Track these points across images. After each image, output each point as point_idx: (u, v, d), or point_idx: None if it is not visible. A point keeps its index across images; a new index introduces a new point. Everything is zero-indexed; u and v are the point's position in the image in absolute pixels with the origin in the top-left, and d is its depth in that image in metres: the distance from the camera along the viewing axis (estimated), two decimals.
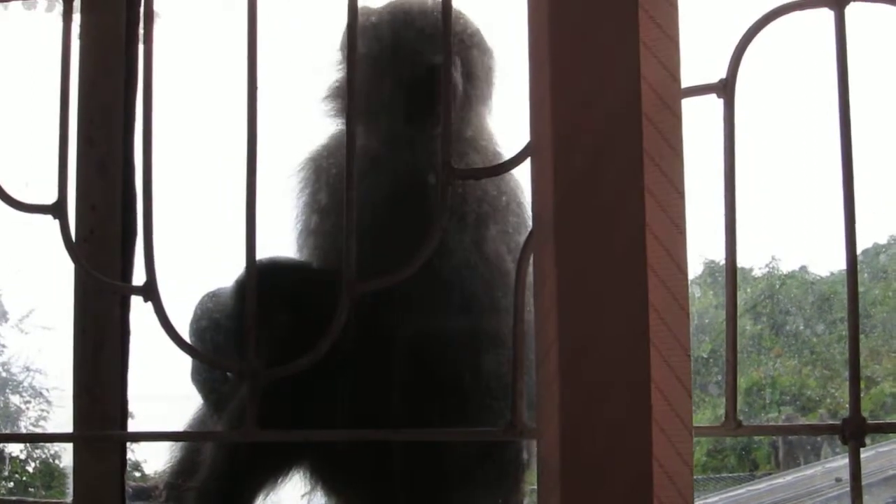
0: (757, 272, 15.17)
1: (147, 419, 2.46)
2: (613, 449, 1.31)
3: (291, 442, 2.26)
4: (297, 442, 2.29)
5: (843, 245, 1.54)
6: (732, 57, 1.59)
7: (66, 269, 1.90)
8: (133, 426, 2.06)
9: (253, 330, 1.69)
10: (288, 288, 2.32)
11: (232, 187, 1.76)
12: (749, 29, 1.59)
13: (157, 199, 1.74)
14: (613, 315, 1.33)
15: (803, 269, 15.66)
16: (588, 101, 1.36)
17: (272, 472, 2.44)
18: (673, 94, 1.38)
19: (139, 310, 1.83)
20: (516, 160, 1.57)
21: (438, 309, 2.38)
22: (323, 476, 2.50)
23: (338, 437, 2.24)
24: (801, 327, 14.39)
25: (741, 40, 1.59)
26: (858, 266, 1.57)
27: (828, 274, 15.27)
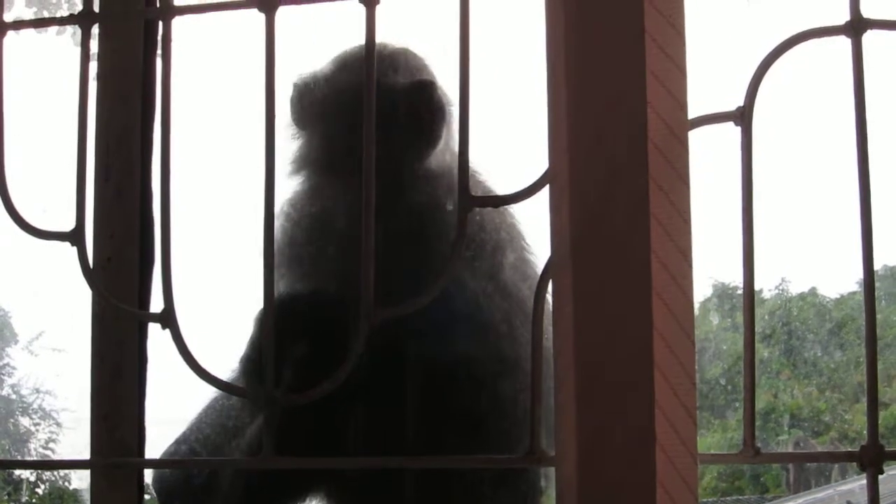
0: (766, 294, 15.18)
1: (164, 443, 2.47)
2: (625, 476, 1.32)
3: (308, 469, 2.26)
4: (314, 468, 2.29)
5: (852, 268, 1.55)
6: (750, 85, 1.59)
7: (77, 292, 1.90)
8: (148, 450, 2.06)
9: (271, 357, 1.69)
10: (307, 317, 2.34)
11: (250, 212, 1.76)
12: (766, 57, 1.59)
13: (174, 226, 1.74)
14: (623, 342, 1.34)
15: (812, 290, 15.65)
16: (598, 130, 1.37)
17: (289, 498, 2.45)
18: (680, 122, 1.40)
19: (156, 336, 1.83)
20: (535, 187, 1.57)
21: (456, 336, 2.39)
22: (338, 501, 2.50)
23: (355, 464, 2.24)
24: (812, 352, 14.38)
25: (758, 68, 1.59)
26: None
27: (837, 296, 15.27)
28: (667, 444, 1.32)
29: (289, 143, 2.63)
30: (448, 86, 2.60)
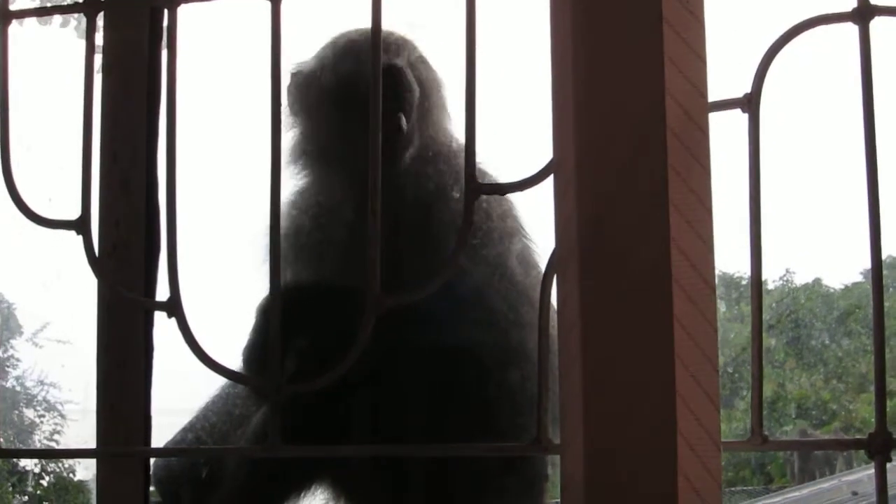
0: (771, 285, 15.16)
1: (170, 432, 2.47)
2: (639, 465, 1.30)
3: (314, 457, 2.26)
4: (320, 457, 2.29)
5: (856, 258, 1.55)
6: (757, 72, 1.58)
7: (81, 283, 1.90)
8: (155, 438, 2.06)
9: (277, 345, 1.68)
10: (311, 306, 2.34)
11: (257, 200, 1.76)
12: (773, 43, 1.58)
13: (180, 215, 1.73)
14: (638, 331, 1.32)
15: (817, 281, 15.65)
16: (612, 117, 1.36)
17: (295, 487, 2.45)
18: (699, 109, 1.38)
19: (162, 325, 1.83)
20: (542, 175, 1.57)
21: (462, 324, 2.39)
22: (344, 490, 2.51)
23: (363, 452, 2.24)
24: (820, 340, 14.37)
25: (766, 55, 1.58)
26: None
27: (841, 286, 15.26)
28: (687, 432, 1.31)
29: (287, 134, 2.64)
30: (443, 68, 2.61)
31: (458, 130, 2.63)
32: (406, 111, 2.49)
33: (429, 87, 2.61)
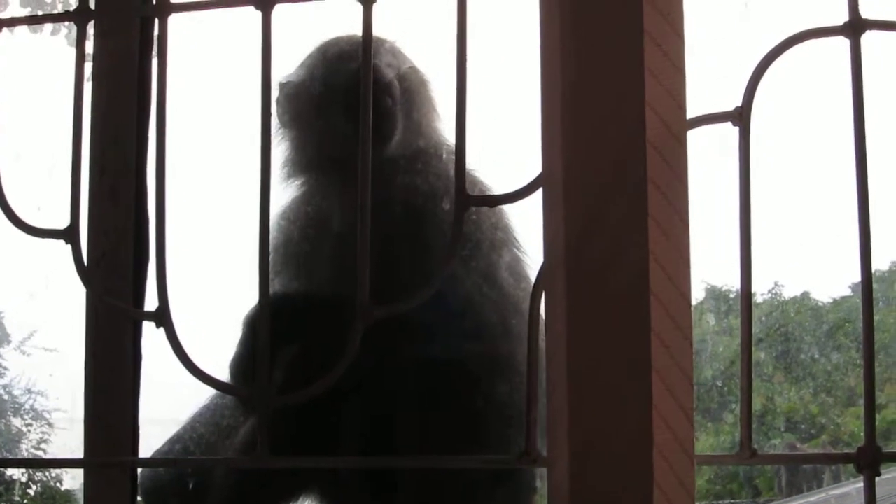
0: (759, 298, 15.18)
1: (158, 442, 2.46)
2: (620, 478, 1.31)
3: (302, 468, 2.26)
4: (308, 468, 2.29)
5: (844, 272, 1.55)
6: (748, 85, 1.58)
7: (71, 291, 1.90)
8: (143, 449, 2.06)
9: (265, 356, 1.68)
10: (300, 316, 2.34)
11: (246, 210, 1.75)
12: (765, 57, 1.58)
13: (169, 224, 1.73)
14: (619, 344, 1.33)
15: (805, 294, 15.67)
16: (596, 129, 1.36)
17: (283, 497, 2.45)
18: (679, 122, 1.39)
19: (151, 335, 1.82)
20: (531, 187, 1.57)
21: (452, 334, 2.39)
22: (333, 501, 2.50)
23: (351, 464, 2.24)
24: (809, 354, 14.39)
25: (757, 68, 1.58)
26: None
27: (830, 300, 15.29)
28: (663, 446, 1.32)
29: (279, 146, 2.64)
30: (438, 77, 2.61)
31: (448, 133, 2.63)
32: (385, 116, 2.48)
33: (404, 76, 2.61)
